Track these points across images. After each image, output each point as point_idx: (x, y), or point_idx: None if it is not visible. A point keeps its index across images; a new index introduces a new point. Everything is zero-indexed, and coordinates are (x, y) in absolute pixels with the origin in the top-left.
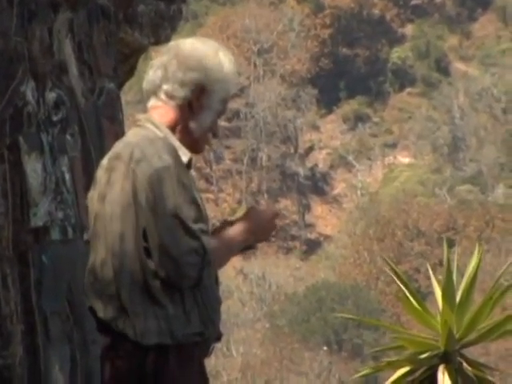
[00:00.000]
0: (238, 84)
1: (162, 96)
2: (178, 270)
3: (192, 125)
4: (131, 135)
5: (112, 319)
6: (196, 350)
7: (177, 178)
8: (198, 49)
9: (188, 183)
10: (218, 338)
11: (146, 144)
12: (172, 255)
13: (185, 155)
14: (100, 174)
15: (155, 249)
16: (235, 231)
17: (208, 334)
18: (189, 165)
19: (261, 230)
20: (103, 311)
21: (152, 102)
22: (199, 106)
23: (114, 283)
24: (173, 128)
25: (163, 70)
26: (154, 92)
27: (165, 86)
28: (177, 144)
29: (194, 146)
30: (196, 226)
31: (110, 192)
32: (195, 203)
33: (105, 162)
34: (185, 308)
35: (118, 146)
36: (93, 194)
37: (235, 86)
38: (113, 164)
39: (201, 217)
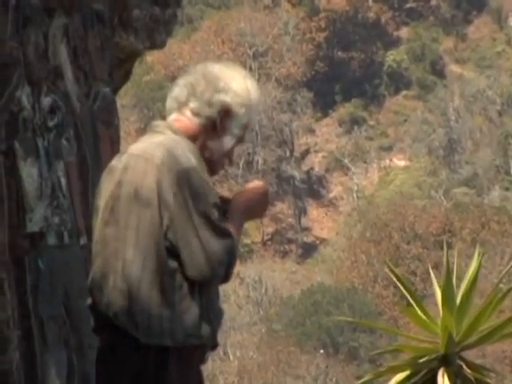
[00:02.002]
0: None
1: (187, 113)
2: (210, 268)
3: (211, 145)
4: (150, 138)
5: (115, 315)
6: (195, 354)
7: (203, 178)
8: (227, 72)
9: (211, 185)
10: (214, 346)
11: (172, 143)
12: (204, 254)
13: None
14: (113, 172)
15: (184, 248)
16: (231, 220)
17: (206, 338)
18: None
19: (254, 210)
20: (107, 306)
21: (174, 116)
22: (222, 128)
23: (125, 278)
24: (192, 141)
25: (190, 88)
26: (179, 108)
27: (191, 104)
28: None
29: (210, 166)
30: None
31: (127, 188)
32: (217, 205)
33: (119, 163)
34: (190, 309)
35: (138, 146)
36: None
37: (257, 114)
38: (132, 162)
39: (220, 219)
